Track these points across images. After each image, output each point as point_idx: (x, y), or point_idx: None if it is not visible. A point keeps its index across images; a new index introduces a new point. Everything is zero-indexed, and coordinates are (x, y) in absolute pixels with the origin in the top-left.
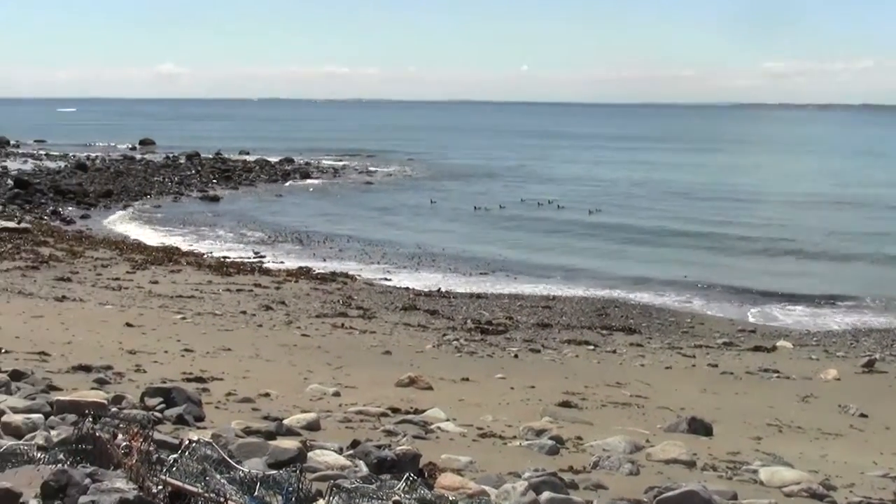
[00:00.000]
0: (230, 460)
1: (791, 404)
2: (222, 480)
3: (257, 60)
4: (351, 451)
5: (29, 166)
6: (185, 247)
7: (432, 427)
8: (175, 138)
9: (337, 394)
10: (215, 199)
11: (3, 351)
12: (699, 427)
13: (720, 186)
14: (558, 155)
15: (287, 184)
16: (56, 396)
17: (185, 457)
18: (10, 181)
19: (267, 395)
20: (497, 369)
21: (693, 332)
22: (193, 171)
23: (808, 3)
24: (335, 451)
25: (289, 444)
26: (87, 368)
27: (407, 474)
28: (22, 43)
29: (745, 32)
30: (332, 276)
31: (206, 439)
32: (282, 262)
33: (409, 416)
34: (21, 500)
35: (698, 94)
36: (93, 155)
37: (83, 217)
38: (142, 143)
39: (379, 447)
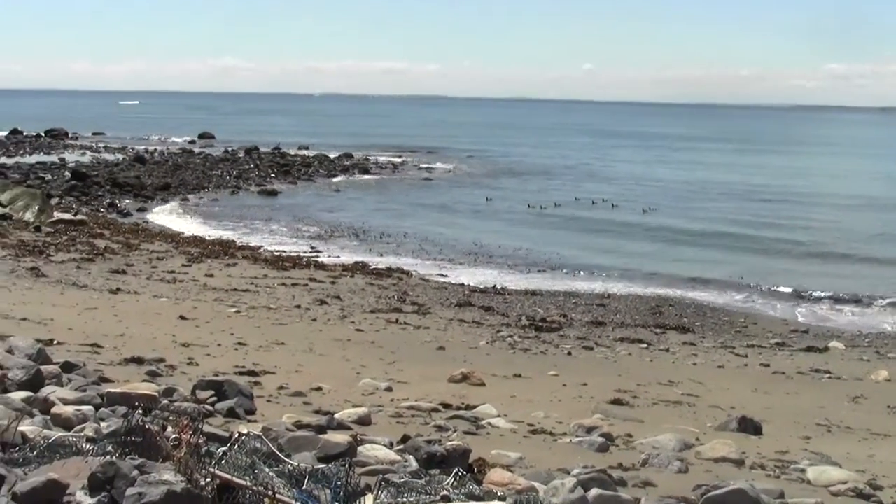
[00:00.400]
0: (279, 453)
1: (841, 405)
2: (271, 473)
3: (317, 56)
4: (401, 446)
5: (87, 158)
6: (241, 240)
7: (483, 423)
8: (234, 132)
9: (389, 389)
10: (273, 193)
11: (55, 343)
12: (749, 426)
13: (776, 188)
14: (617, 154)
15: (345, 179)
16: (107, 388)
17: (234, 450)
18: (67, 173)
19: (319, 389)
20: (550, 366)
21: (746, 331)
22: (252, 165)
23: (871, 5)
24: (385, 446)
25: (339, 438)
26: (139, 361)
27: (456, 469)
28: (84, 37)
29: (807, 34)
30: (388, 272)
31: (256, 432)
32: (338, 257)
33: (461, 412)
34: (68, 492)
35: (759, 95)
36: (151, 148)
37: (140, 210)
38: (201, 136)
39: (429, 442)
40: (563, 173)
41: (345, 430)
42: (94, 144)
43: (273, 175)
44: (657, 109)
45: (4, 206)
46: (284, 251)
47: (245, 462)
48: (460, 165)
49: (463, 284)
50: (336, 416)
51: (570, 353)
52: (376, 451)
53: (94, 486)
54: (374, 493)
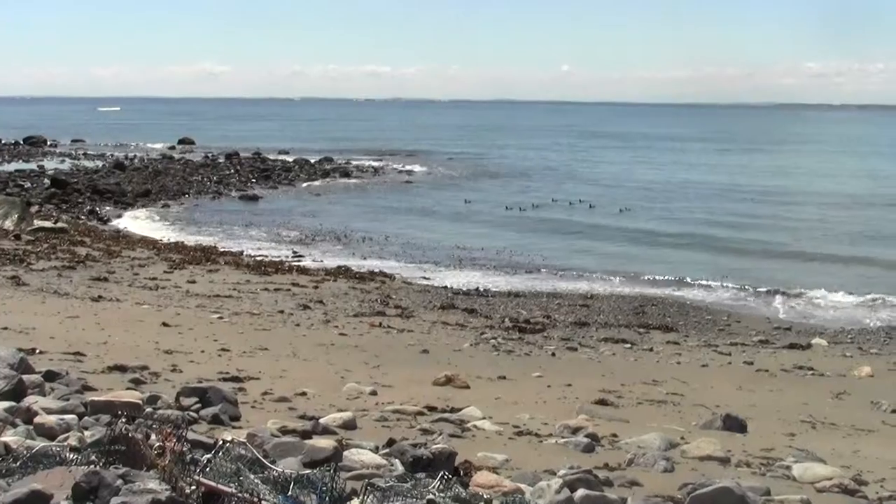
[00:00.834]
0: (264, 460)
1: (825, 401)
2: (256, 480)
3: (298, 60)
4: (387, 450)
5: (66, 166)
6: (222, 246)
7: (468, 425)
8: (214, 138)
9: (374, 393)
10: (254, 198)
11: (37, 352)
12: (734, 424)
13: (759, 187)
14: (598, 155)
15: (326, 183)
16: (90, 397)
17: (218, 457)
18: (46, 181)
19: (303, 394)
20: (534, 368)
21: (729, 330)
22: (232, 171)
23: (851, 4)
24: (371, 450)
25: (324, 443)
26: (122, 368)
27: (442, 473)
28: (62, 42)
29: (786, 32)
30: (371, 276)
31: (241, 439)
32: (320, 262)
33: (446, 415)
34: (52, 502)
35: (743, 94)
36: (131, 154)
37: (120, 216)
38: (181, 142)
39: (415, 446)
40: (544, 175)
41: (330, 435)
42: (73, 151)
43: (254, 180)
44: (642, 110)
45: None
46: (266, 256)
47: (230, 469)
48: (441, 168)
49: (446, 287)
50: (321, 420)
51: (554, 354)
52: (362, 455)
53: (78, 496)
54: (360, 497)
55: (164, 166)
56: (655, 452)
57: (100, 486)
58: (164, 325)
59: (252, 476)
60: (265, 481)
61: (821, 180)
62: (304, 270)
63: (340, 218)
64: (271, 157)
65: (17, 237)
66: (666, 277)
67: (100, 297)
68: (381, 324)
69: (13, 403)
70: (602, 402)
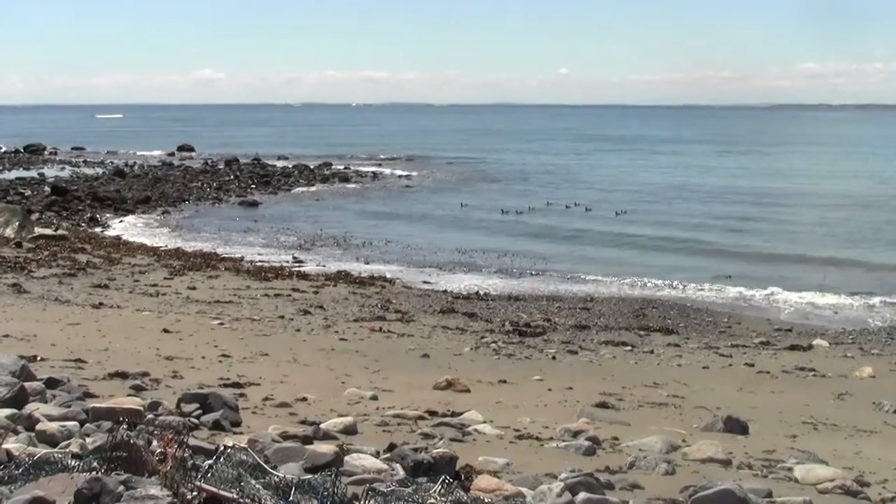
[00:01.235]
0: (265, 465)
1: (826, 402)
2: (257, 486)
3: (297, 65)
4: (388, 455)
5: (66, 173)
6: (223, 252)
7: (469, 429)
8: (214, 144)
9: (374, 397)
10: (254, 204)
11: (39, 359)
12: (735, 426)
13: (758, 188)
14: (596, 158)
15: (326, 188)
16: (92, 404)
17: (220, 463)
18: (47, 188)
19: (304, 399)
20: (535, 371)
21: (730, 331)
22: (232, 177)
23: (846, 4)
24: (372, 455)
25: (325, 448)
26: (123, 375)
27: (443, 477)
28: (61, 51)
29: (783, 33)
30: (371, 280)
31: (242, 445)
32: (321, 267)
33: (447, 419)
34: None
35: (741, 95)
36: (131, 161)
37: (120, 223)
38: (180, 148)
39: (415, 450)
40: (542, 178)
41: (331, 440)
42: (73, 159)
43: (253, 186)
44: (640, 113)
45: None
46: (266, 262)
47: (231, 475)
48: (440, 172)
49: (446, 291)
50: (322, 426)
51: (554, 358)
52: (363, 460)
53: (80, 503)
54: (362, 502)
55: (163, 173)
56: (657, 455)
57: (102, 493)
58: (165, 331)
59: (253, 482)
60: (266, 487)
61: (821, 181)
62: (303, 276)
63: (340, 223)
64: (271, 162)
65: (19, 245)
66: (666, 280)
67: (100, 303)
68: (381, 328)
69: (15, 411)
70: (603, 405)
